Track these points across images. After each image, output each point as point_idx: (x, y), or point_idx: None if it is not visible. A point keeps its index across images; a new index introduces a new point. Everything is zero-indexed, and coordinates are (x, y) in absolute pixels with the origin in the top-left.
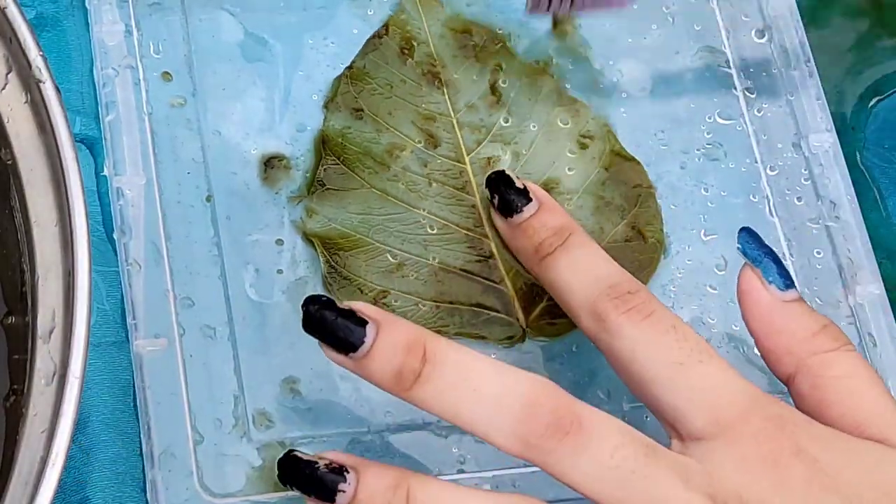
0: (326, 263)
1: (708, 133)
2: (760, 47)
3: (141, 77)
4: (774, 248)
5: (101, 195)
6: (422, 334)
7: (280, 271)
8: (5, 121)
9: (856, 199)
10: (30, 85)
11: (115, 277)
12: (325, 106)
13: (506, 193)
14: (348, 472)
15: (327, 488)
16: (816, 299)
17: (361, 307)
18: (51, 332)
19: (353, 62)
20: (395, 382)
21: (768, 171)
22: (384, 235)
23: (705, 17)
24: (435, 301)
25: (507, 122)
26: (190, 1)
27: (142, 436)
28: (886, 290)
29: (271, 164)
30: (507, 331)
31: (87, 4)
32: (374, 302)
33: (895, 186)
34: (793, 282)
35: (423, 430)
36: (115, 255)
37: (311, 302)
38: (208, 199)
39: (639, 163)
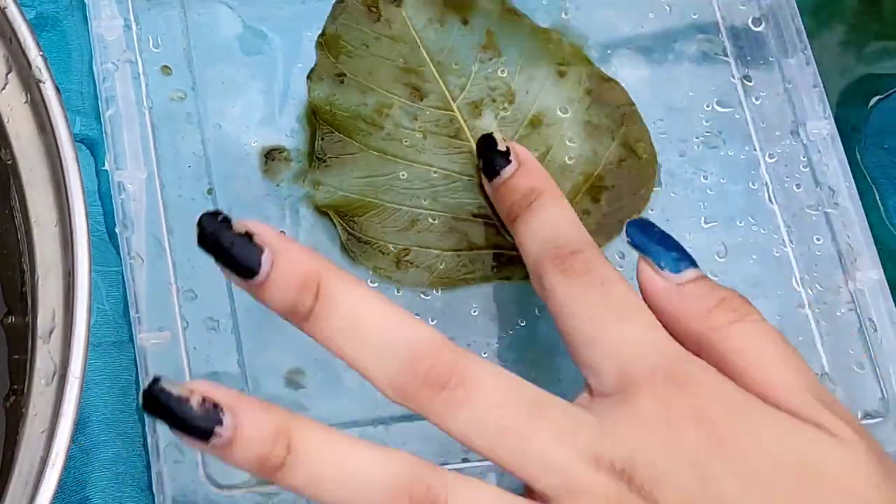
0: (344, 231)
1: (706, 121)
2: (758, 35)
3: (140, 71)
4: (773, 235)
5: (101, 195)
6: (319, 268)
7: None
8: (5, 121)
9: (854, 186)
10: (30, 85)
11: (115, 277)
12: (308, 77)
13: (488, 156)
14: (224, 413)
15: (201, 429)
16: (817, 285)
17: (259, 230)
18: (51, 332)
19: (325, 29)
20: (290, 316)
21: (767, 158)
22: (392, 195)
23: (702, 5)
24: (455, 250)
25: (485, 61)
26: None
27: (146, 429)
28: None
29: (272, 157)
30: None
31: (86, 0)
32: (398, 261)
33: (895, 186)
34: (689, 261)
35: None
36: (116, 254)
37: (207, 217)
38: (209, 192)
39: (617, 83)
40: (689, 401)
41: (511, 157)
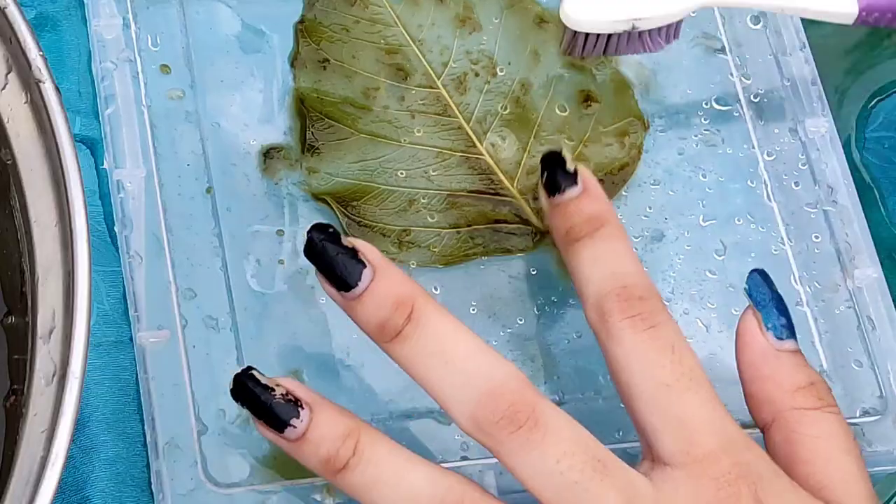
0: (344, 217)
1: (705, 119)
2: (756, 33)
3: (139, 70)
4: (771, 233)
5: (101, 195)
6: (414, 292)
7: (281, 261)
8: (5, 121)
9: (853, 184)
10: (30, 85)
11: (115, 277)
12: (291, 65)
13: (554, 173)
14: (303, 409)
15: (279, 419)
16: (815, 283)
17: (365, 249)
18: (51, 332)
19: (303, 15)
20: (377, 333)
21: (765, 156)
22: (386, 177)
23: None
24: (454, 227)
25: (465, 36)
26: None
27: (145, 427)
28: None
29: (270, 155)
30: (527, 239)
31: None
32: (399, 242)
33: (895, 186)
34: (793, 333)
35: (426, 417)
36: (116, 254)
37: (316, 230)
38: (208, 190)
39: None
40: (748, 489)
41: (578, 180)
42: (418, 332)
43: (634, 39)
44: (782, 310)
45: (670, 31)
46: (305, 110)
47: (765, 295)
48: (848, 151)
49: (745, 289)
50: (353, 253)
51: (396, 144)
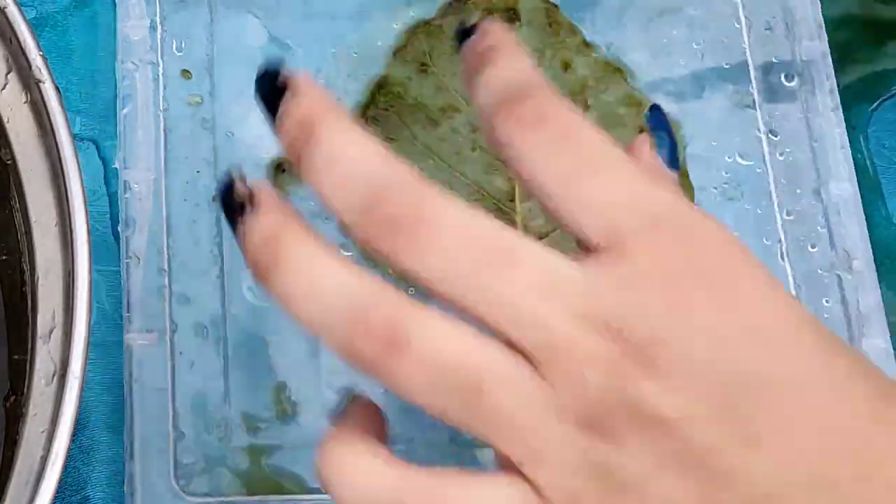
0: None
1: (726, 172)
2: (789, 91)
3: (160, 73)
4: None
5: (110, 195)
6: (321, 110)
7: None
8: (5, 121)
9: (870, 251)
10: (30, 85)
11: (116, 277)
12: (394, 54)
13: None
14: (246, 201)
15: (237, 205)
16: None
17: (294, 75)
18: (51, 332)
19: (433, 18)
20: (290, 151)
21: (784, 215)
22: None
23: (736, 55)
24: None
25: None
26: (217, 1)
27: (125, 429)
28: (887, 291)
29: (281, 169)
30: None
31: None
32: None
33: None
34: (678, 167)
35: (407, 444)
36: (116, 254)
37: (266, 69)
38: (214, 198)
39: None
40: (693, 255)
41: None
42: (315, 150)
43: None
44: (674, 146)
45: None
46: (379, 94)
47: (663, 127)
48: (848, 151)
49: (644, 115)
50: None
51: (445, 166)
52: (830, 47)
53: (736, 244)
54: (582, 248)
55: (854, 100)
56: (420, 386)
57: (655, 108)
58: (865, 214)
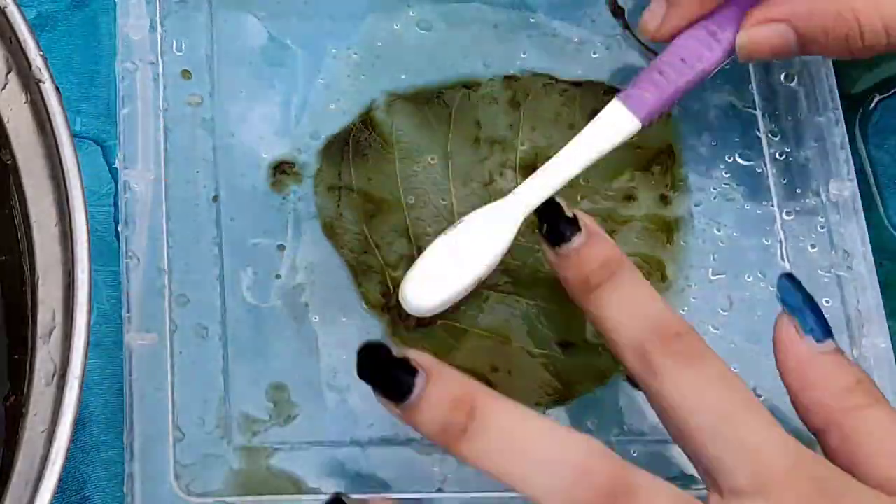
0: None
1: (726, 173)
2: (788, 91)
3: (160, 73)
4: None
5: (108, 194)
6: (471, 389)
7: (278, 276)
8: (5, 121)
9: (870, 251)
10: (30, 85)
11: (116, 277)
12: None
13: (555, 222)
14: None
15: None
16: None
17: (416, 356)
18: (51, 332)
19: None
20: (442, 437)
21: (784, 215)
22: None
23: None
24: None
25: None
26: (217, 1)
27: (124, 428)
28: (885, 291)
29: (281, 170)
30: None
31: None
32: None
33: (895, 186)
34: (830, 332)
35: (406, 445)
36: (116, 254)
37: (366, 348)
38: (214, 199)
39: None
40: (833, 497)
41: (581, 226)
42: (484, 427)
43: None
44: (817, 312)
45: None
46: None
47: (798, 299)
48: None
49: (777, 295)
50: (403, 362)
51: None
52: None
53: (855, 484)
54: (711, 483)
55: (854, 100)
56: None
57: (787, 278)
58: (865, 215)
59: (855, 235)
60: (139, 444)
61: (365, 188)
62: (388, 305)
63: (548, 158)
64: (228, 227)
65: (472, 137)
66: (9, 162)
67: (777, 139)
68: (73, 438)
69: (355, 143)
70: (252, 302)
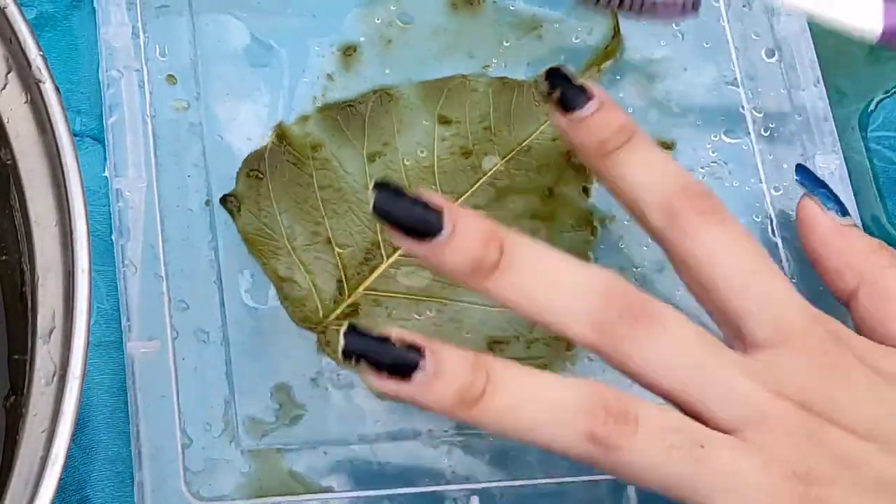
0: None
1: (713, 151)
2: (770, 67)
3: (145, 79)
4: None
5: (106, 195)
6: (497, 227)
7: None
8: (5, 121)
9: (860, 222)
10: (30, 85)
11: (116, 277)
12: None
13: (566, 89)
14: (424, 351)
15: (406, 364)
16: None
17: (431, 197)
18: (51, 332)
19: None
20: (473, 273)
21: (772, 191)
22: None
23: (715, 34)
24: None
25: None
26: (197, 4)
27: (131, 437)
28: None
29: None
30: None
31: (95, 5)
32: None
33: (895, 186)
34: (848, 212)
35: (414, 439)
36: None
37: (381, 186)
38: (207, 203)
39: None
40: (849, 351)
41: (593, 93)
42: (516, 260)
43: (649, 4)
44: (833, 192)
45: (688, 3)
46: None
47: (816, 182)
48: (848, 151)
49: (796, 180)
50: (423, 203)
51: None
52: (831, 47)
53: (866, 339)
54: (733, 334)
55: (853, 100)
56: (650, 451)
57: (802, 169)
58: (864, 214)
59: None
60: (147, 451)
61: (285, 204)
62: (317, 323)
63: (469, 158)
64: (223, 230)
65: (389, 143)
66: (9, 162)
67: (761, 115)
68: (73, 438)
69: (271, 160)
70: (251, 304)
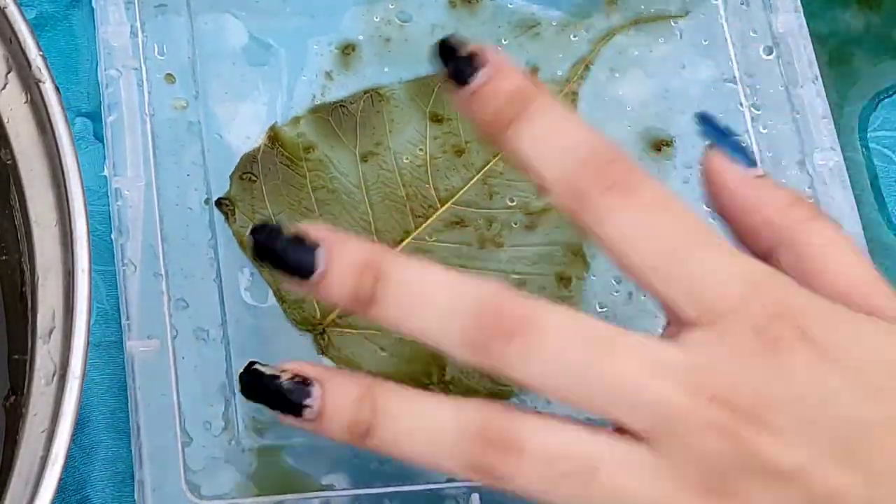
0: None
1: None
2: (767, 64)
3: (144, 78)
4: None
5: (106, 195)
6: (375, 252)
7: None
8: (5, 121)
9: (858, 219)
10: (30, 85)
11: (116, 277)
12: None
13: (455, 60)
14: (312, 386)
15: (292, 403)
16: None
17: (311, 228)
18: (51, 332)
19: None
20: (354, 305)
21: None
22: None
23: (713, 31)
24: None
25: None
26: (196, 3)
27: (131, 436)
28: None
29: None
30: None
31: (93, 4)
32: None
33: (895, 186)
34: (755, 160)
35: None
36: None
37: (258, 231)
38: (207, 201)
39: None
40: (789, 326)
41: (485, 61)
42: (391, 287)
43: None
44: (738, 141)
45: None
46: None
47: (720, 130)
48: (847, 151)
49: (697, 131)
50: (300, 239)
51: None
52: (830, 47)
53: (818, 300)
54: (671, 318)
55: (853, 100)
56: (537, 480)
57: (705, 119)
58: (864, 215)
59: (842, 204)
60: (147, 451)
61: (279, 206)
62: (315, 325)
63: (462, 156)
64: (222, 228)
65: (381, 143)
66: (9, 162)
67: (759, 112)
68: (73, 438)
69: (264, 162)
70: (251, 302)
